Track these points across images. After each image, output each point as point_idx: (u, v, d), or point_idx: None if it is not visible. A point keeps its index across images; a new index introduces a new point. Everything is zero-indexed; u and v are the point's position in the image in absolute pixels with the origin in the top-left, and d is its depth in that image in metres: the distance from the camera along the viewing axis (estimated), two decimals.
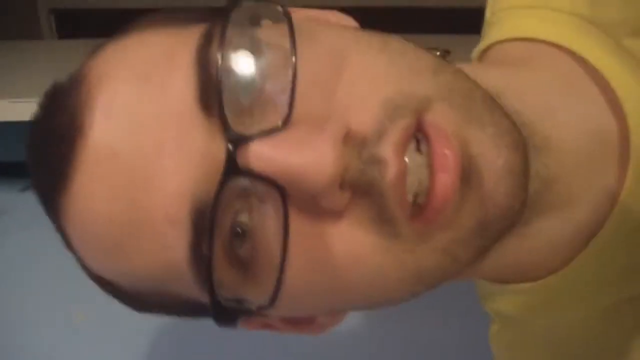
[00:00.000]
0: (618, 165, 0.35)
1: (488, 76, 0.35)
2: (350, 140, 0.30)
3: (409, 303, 0.35)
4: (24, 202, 1.01)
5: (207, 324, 0.35)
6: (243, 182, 0.30)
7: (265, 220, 0.31)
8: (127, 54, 0.33)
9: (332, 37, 0.34)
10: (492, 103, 0.32)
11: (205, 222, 0.29)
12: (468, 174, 0.30)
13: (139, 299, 0.36)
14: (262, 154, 0.29)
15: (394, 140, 0.29)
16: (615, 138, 0.36)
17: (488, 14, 0.45)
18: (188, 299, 0.34)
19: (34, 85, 1.01)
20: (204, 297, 0.32)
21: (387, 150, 0.29)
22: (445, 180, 0.29)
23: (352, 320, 0.67)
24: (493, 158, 0.30)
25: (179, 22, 0.34)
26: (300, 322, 0.40)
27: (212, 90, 0.30)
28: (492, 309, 0.44)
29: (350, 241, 0.31)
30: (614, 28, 0.38)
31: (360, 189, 0.30)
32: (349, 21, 0.39)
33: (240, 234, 0.31)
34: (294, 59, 0.30)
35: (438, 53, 0.97)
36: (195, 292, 0.32)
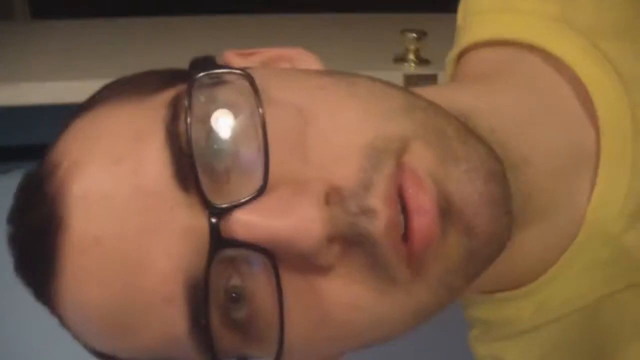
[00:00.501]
0: (594, 170, 0.36)
1: (460, 96, 0.35)
2: (334, 196, 0.30)
3: None
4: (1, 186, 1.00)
5: None
6: (230, 252, 0.30)
7: (258, 281, 0.31)
8: (95, 135, 0.33)
9: (296, 89, 0.34)
10: (467, 135, 0.32)
11: (200, 294, 0.30)
12: (446, 210, 0.30)
13: None
14: (244, 223, 0.29)
15: (383, 190, 0.29)
16: (592, 141, 0.37)
17: (459, 19, 0.45)
18: None
19: (6, 69, 0.99)
20: None
21: (377, 201, 0.29)
22: (422, 221, 0.29)
23: None
24: (469, 193, 0.31)
25: (143, 90, 0.34)
26: None
27: (186, 166, 0.30)
28: (472, 316, 0.45)
29: (348, 291, 0.31)
30: (588, 30, 0.39)
31: (351, 240, 0.30)
32: (312, 61, 0.39)
33: (235, 298, 0.31)
34: (261, 121, 0.30)
35: (414, 35, 0.96)
36: (200, 358, 0.33)
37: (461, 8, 0.45)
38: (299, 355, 0.34)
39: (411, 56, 0.99)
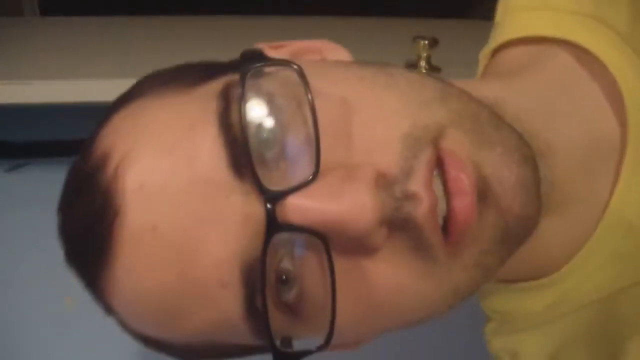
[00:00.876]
0: (617, 165, 0.37)
1: (487, 87, 0.36)
2: (381, 181, 0.31)
3: None
4: (10, 183, 1.00)
5: None
6: (285, 235, 0.31)
7: (308, 264, 0.32)
8: (144, 126, 0.34)
9: (338, 80, 0.35)
10: (498, 121, 0.34)
11: (254, 279, 0.31)
12: (484, 193, 0.32)
13: (190, 351, 0.37)
14: (300, 207, 0.30)
15: (422, 176, 0.31)
16: (617, 136, 0.37)
17: (498, 15, 0.47)
18: (243, 345, 0.36)
19: (16, 66, 0.99)
20: (257, 342, 0.34)
21: (418, 186, 0.31)
22: (463, 203, 0.31)
23: None
24: (505, 176, 0.32)
25: (186, 83, 0.35)
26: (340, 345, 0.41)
27: (241, 154, 0.31)
28: (490, 308, 0.46)
29: (393, 272, 0.32)
30: (622, 31, 0.39)
31: (395, 224, 0.31)
32: (342, 52, 0.40)
33: (285, 281, 0.32)
34: (312, 111, 0.31)
35: (426, 42, 0.96)
36: (251, 339, 0.34)
37: (501, 5, 0.46)
38: (345, 335, 0.35)
39: (423, 63, 0.99)
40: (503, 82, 0.40)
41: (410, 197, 0.31)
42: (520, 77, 0.41)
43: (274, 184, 0.31)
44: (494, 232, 0.33)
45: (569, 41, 0.40)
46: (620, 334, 0.39)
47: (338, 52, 0.41)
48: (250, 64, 0.33)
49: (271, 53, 0.40)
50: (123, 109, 0.36)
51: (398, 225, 0.31)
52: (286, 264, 0.32)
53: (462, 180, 0.31)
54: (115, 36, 1.11)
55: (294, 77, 0.32)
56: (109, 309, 0.36)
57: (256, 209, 0.31)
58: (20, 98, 0.78)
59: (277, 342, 0.32)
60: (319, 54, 0.41)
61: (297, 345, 0.34)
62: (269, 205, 0.30)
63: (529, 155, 0.33)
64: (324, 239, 0.30)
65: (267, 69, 0.34)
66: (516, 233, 0.33)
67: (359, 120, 0.32)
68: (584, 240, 0.38)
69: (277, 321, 0.32)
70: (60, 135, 0.87)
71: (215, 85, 0.34)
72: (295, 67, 0.33)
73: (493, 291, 0.44)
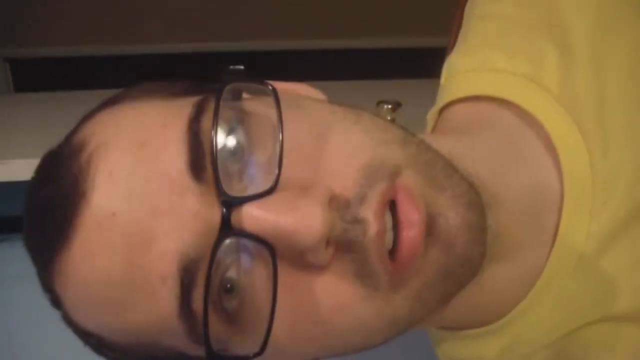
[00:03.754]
0: (559, 212, 0.39)
1: (442, 144, 0.38)
2: (334, 203, 0.33)
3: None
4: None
5: None
6: (235, 241, 0.33)
7: (253, 275, 0.33)
8: (124, 122, 0.35)
9: (311, 109, 0.37)
10: (451, 169, 0.36)
11: (192, 278, 0.32)
12: (431, 229, 0.33)
13: (127, 352, 0.37)
14: (254, 215, 0.32)
15: (374, 204, 0.33)
16: (557, 187, 0.40)
17: (443, 79, 0.50)
18: (179, 352, 0.36)
19: None
20: (193, 350, 0.35)
21: (368, 213, 0.32)
22: (413, 234, 0.32)
23: None
24: (452, 216, 0.34)
25: (169, 93, 0.37)
26: None
27: (203, 157, 0.32)
28: (446, 356, 0.47)
29: (335, 292, 0.34)
30: (554, 90, 0.42)
31: (342, 246, 0.33)
32: (319, 94, 0.43)
33: (229, 289, 0.33)
34: (280, 129, 0.33)
35: (390, 106, 1.00)
36: (186, 344, 0.34)
37: (445, 68, 0.49)
38: (279, 353, 0.35)
39: None
40: (452, 139, 0.42)
41: (359, 221, 0.32)
42: (468, 134, 0.43)
43: (233, 192, 0.32)
44: (437, 268, 0.34)
45: (507, 100, 0.43)
46: None
47: (315, 94, 0.43)
48: (229, 79, 0.34)
49: None
50: (107, 107, 0.38)
51: (345, 247, 0.33)
52: (232, 273, 0.33)
53: (413, 213, 0.32)
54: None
55: (269, 97, 0.34)
56: (56, 300, 0.36)
57: (209, 211, 0.32)
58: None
59: (213, 345, 0.32)
60: (296, 93, 0.43)
61: None
62: (224, 209, 0.31)
63: (476, 202, 0.35)
64: (272, 249, 0.32)
65: (244, 86, 0.36)
66: (459, 273, 0.35)
67: (324, 147, 0.34)
68: (532, 285, 0.39)
69: (215, 326, 0.32)
70: None
71: (194, 98, 0.35)
72: (270, 87, 0.34)
73: (446, 338, 0.45)
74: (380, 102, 1.01)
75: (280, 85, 0.39)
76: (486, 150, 0.41)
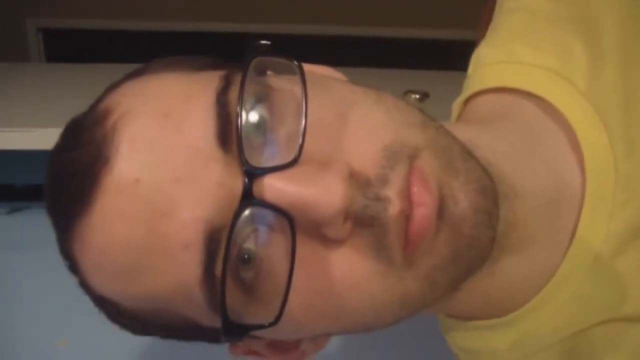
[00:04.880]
0: (578, 210, 0.39)
1: (464, 133, 0.38)
2: (354, 179, 0.33)
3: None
4: (10, 225, 1.01)
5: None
6: (256, 211, 0.33)
7: (271, 247, 0.34)
8: (149, 92, 0.36)
9: (334, 87, 0.38)
10: (468, 155, 0.36)
11: (217, 246, 0.32)
12: (441, 210, 0.34)
13: (141, 320, 0.38)
14: (276, 186, 0.32)
15: (398, 187, 0.33)
16: (577, 183, 0.40)
17: (470, 69, 0.50)
18: (192, 322, 0.37)
19: (21, 113, 1.00)
20: (208, 319, 0.35)
21: (392, 192, 0.33)
22: (425, 212, 0.33)
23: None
24: (460, 200, 0.34)
25: (194, 67, 0.38)
26: (285, 349, 0.42)
27: (230, 128, 0.33)
28: (455, 345, 0.47)
29: (350, 267, 0.34)
30: (582, 85, 0.42)
31: (361, 222, 0.33)
32: (339, 75, 0.43)
33: (246, 260, 0.33)
34: (305, 103, 0.33)
35: (418, 96, 0.99)
36: (202, 313, 0.35)
37: (473, 60, 0.49)
38: (293, 324, 0.36)
39: None
40: (476, 129, 0.42)
41: (382, 199, 0.33)
42: (492, 125, 0.43)
43: (256, 163, 0.33)
44: (447, 250, 0.34)
45: (532, 93, 0.43)
46: None
47: (337, 75, 0.43)
48: (255, 53, 0.35)
49: None
50: (132, 79, 0.38)
51: (364, 223, 0.33)
52: (250, 244, 0.33)
53: (426, 194, 0.33)
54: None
55: (293, 75, 0.35)
56: (73, 265, 0.37)
57: (233, 180, 0.32)
58: (23, 145, 0.79)
59: (229, 313, 0.32)
60: (319, 73, 0.43)
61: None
62: (246, 179, 0.32)
63: (489, 188, 0.35)
64: (291, 220, 0.32)
65: (270, 61, 0.36)
66: (467, 256, 0.35)
67: (346, 125, 0.35)
68: (545, 282, 0.39)
69: (232, 295, 0.33)
70: None
71: (221, 72, 0.36)
72: (296, 63, 0.35)
73: (455, 327, 0.45)
74: (407, 92, 1.01)
75: (303, 64, 0.40)
76: (508, 142, 0.41)
